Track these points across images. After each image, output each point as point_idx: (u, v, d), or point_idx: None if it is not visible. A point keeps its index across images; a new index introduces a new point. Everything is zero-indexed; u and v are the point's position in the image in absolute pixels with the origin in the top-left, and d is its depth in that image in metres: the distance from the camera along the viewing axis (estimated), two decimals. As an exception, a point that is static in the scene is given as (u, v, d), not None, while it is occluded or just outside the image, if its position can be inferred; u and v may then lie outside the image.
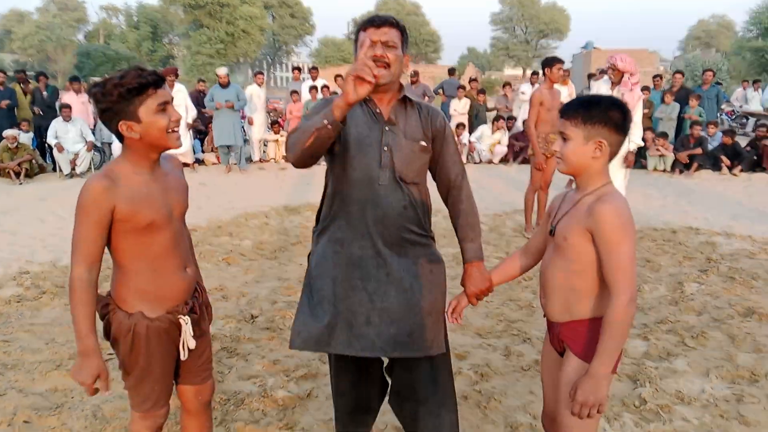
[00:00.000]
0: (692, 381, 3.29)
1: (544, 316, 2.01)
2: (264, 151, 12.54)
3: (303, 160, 1.97)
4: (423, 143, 2.14)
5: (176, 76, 10.68)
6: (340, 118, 1.86)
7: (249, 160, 11.93)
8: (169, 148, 1.90)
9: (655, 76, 12.85)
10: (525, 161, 11.04)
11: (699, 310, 4.31)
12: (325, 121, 1.86)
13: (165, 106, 1.85)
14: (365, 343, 2.09)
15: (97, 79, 1.81)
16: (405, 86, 2.19)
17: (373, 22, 2.08)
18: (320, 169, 2.22)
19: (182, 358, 2.04)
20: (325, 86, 12.40)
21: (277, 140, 12.41)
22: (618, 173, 5.65)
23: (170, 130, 1.86)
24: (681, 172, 10.66)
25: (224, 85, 10.59)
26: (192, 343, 2.03)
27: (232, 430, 2.83)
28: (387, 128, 2.11)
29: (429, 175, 2.24)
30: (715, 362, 3.51)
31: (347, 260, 2.10)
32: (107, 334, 1.96)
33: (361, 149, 2.08)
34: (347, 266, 2.10)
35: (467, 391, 3.17)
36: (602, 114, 1.82)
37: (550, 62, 6.22)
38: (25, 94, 11.26)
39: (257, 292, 4.70)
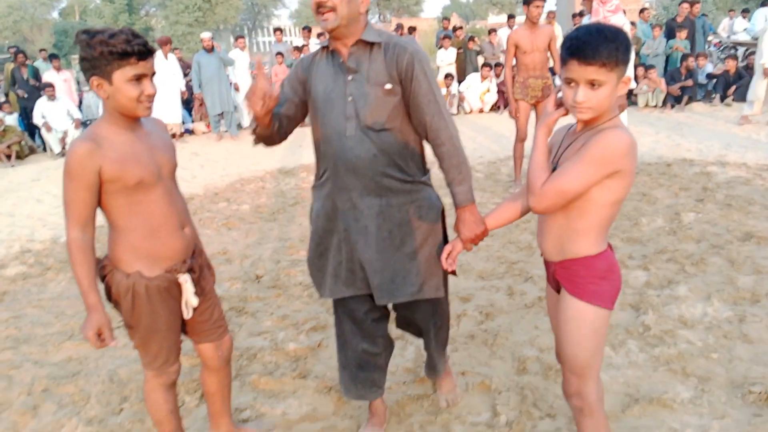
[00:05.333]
0: (694, 305, 3.35)
1: (541, 255, 1.95)
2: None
3: (267, 145, 2.18)
4: (388, 86, 2.01)
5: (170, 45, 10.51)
6: (260, 120, 2.00)
7: (239, 126, 11.82)
8: (137, 117, 1.90)
9: (642, 10, 12.71)
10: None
11: (697, 238, 4.36)
12: (254, 125, 2.07)
13: (141, 78, 1.84)
14: (356, 290, 2.20)
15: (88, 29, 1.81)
16: (369, 27, 2.04)
17: None
18: (310, 130, 2.21)
19: (185, 316, 2.07)
20: (305, 45, 12.25)
21: (265, 104, 12.26)
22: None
23: (140, 101, 1.85)
24: (672, 106, 10.60)
25: (209, 50, 10.43)
26: (194, 301, 2.05)
27: (248, 383, 2.89)
28: (350, 77, 2.03)
29: None
30: (716, 286, 3.56)
31: (334, 214, 2.14)
32: (109, 296, 1.98)
33: (328, 103, 2.06)
34: (335, 219, 2.15)
35: (474, 330, 3.23)
36: (627, 47, 1.60)
37: (527, 0, 5.87)
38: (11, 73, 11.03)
39: (260, 254, 4.73)
